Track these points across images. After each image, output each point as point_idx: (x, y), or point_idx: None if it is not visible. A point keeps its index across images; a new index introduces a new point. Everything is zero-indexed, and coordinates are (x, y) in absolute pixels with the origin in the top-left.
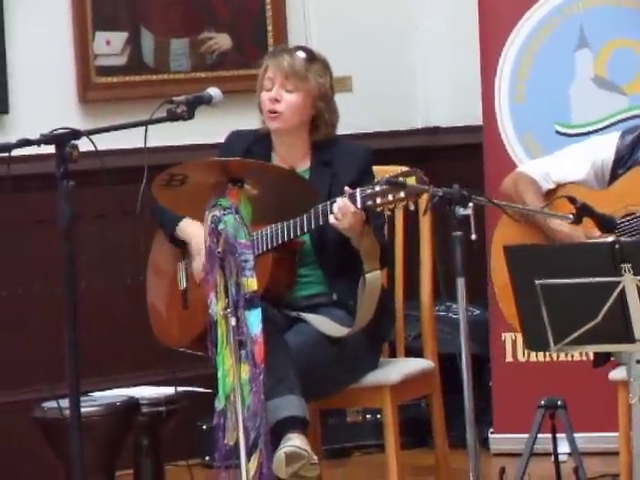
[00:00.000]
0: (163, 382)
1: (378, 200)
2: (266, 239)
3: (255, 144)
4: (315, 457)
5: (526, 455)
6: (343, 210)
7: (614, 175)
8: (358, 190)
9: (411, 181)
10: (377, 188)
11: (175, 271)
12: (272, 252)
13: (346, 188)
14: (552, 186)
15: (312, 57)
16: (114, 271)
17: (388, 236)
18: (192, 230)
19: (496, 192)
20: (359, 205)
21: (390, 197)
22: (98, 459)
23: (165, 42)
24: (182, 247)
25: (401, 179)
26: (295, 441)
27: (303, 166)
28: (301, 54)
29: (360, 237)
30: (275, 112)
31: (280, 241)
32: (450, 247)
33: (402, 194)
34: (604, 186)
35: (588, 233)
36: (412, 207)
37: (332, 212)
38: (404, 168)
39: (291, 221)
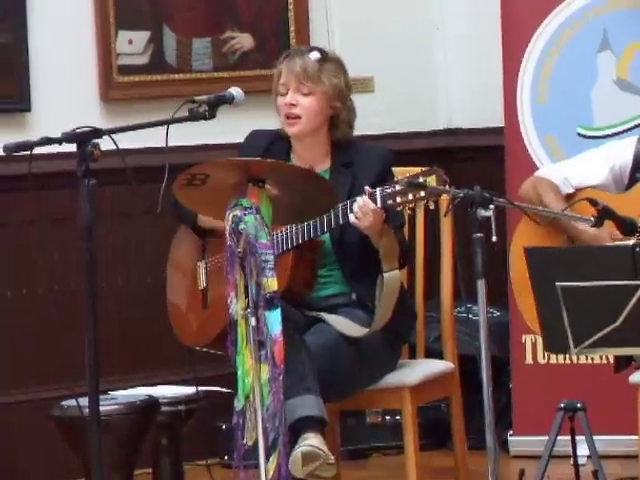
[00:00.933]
0: (183, 381)
1: (398, 199)
2: (286, 238)
3: (274, 144)
4: (332, 457)
5: (545, 457)
6: (364, 209)
7: (633, 179)
8: (378, 189)
9: (432, 180)
10: (397, 187)
11: (195, 270)
12: (292, 251)
13: (366, 187)
14: (571, 190)
15: (325, 57)
16: (134, 270)
17: (409, 237)
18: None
19: (516, 195)
20: (379, 204)
21: (410, 196)
22: (117, 458)
23: (187, 41)
24: (204, 237)
25: (422, 179)
26: (312, 440)
27: (323, 167)
28: (313, 55)
29: (379, 236)
30: (293, 117)
31: (300, 240)
32: (471, 249)
33: (422, 193)
34: (622, 190)
35: (613, 234)
36: (432, 206)
37: (352, 211)
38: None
39: (311, 221)
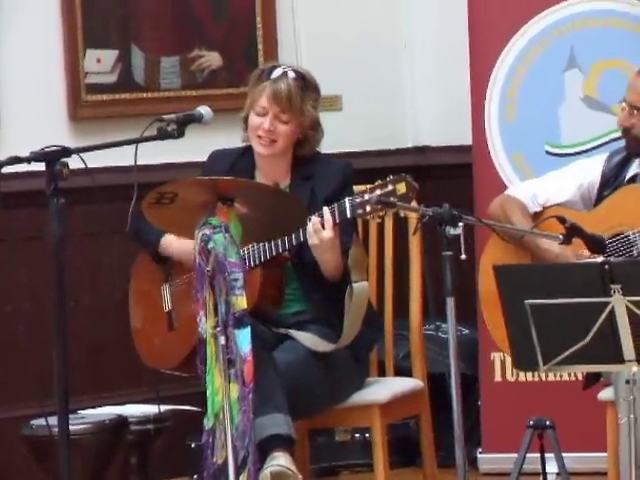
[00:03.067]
0: (152, 400)
1: (368, 208)
2: (253, 255)
3: (237, 162)
4: (300, 476)
5: (515, 475)
6: (315, 226)
7: (600, 196)
8: (347, 199)
9: (401, 187)
10: (366, 197)
11: (158, 294)
12: (260, 268)
13: (325, 209)
14: (539, 208)
15: (305, 83)
16: (103, 289)
17: (377, 254)
18: (176, 242)
19: (485, 213)
20: (348, 214)
21: (380, 205)
22: (87, 477)
23: (155, 60)
24: (165, 265)
25: (391, 186)
26: (280, 460)
27: (285, 182)
28: (295, 80)
29: (324, 252)
30: (268, 140)
31: (268, 256)
32: (440, 267)
33: (392, 199)
34: (590, 208)
35: (577, 253)
36: (402, 214)
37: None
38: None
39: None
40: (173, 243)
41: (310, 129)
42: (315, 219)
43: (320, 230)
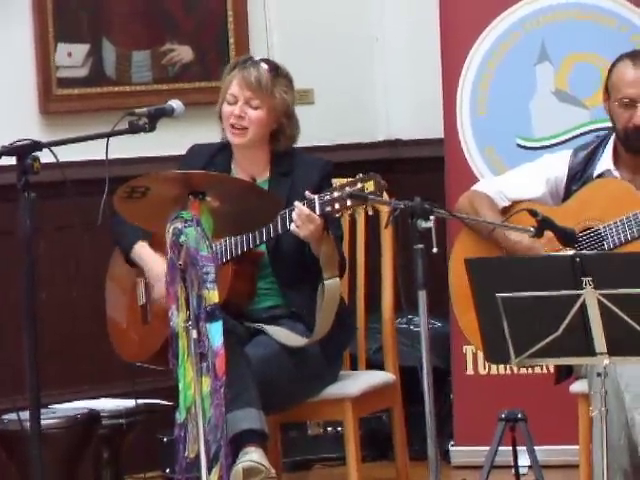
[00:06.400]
0: (123, 394)
1: (337, 206)
2: (226, 249)
3: (216, 156)
4: (273, 471)
5: (487, 468)
6: (302, 217)
7: (568, 191)
8: (317, 196)
9: (369, 186)
10: (335, 194)
11: (134, 286)
12: (232, 263)
13: (307, 193)
14: (507, 203)
15: (277, 72)
16: (75, 283)
17: (349, 248)
18: (146, 257)
19: (455, 208)
20: (318, 211)
21: (349, 202)
22: (58, 471)
23: (127, 54)
24: (138, 267)
25: (360, 184)
26: (253, 455)
27: (263, 177)
28: (267, 68)
29: (319, 244)
30: (239, 128)
31: (240, 251)
32: (411, 260)
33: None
34: (559, 202)
35: (547, 246)
36: (370, 212)
37: (292, 220)
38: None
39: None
40: (142, 256)
41: (284, 117)
42: (301, 208)
43: (305, 221)
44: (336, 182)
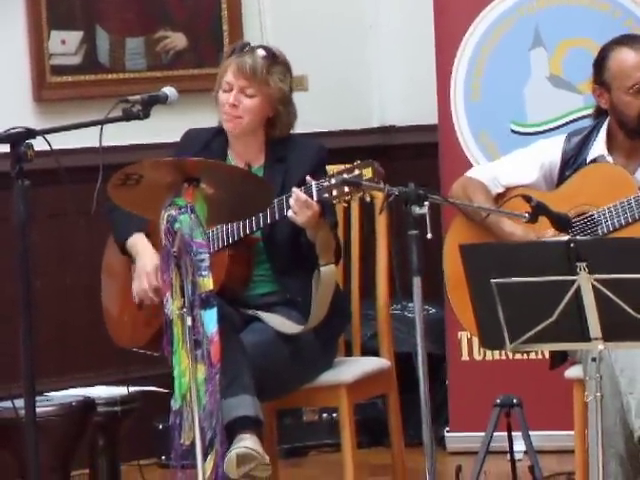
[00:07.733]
0: (118, 382)
1: (334, 192)
2: (222, 235)
3: (212, 141)
4: (267, 458)
5: (482, 453)
6: (299, 203)
7: (562, 177)
8: (314, 182)
9: (367, 172)
10: (333, 181)
11: (129, 272)
12: (228, 249)
13: (307, 178)
14: (501, 190)
15: (274, 59)
16: (69, 270)
17: (344, 234)
18: (138, 249)
19: (448, 195)
20: (315, 197)
21: (346, 189)
22: (53, 459)
23: (120, 41)
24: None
25: (357, 171)
26: (247, 442)
27: (258, 163)
28: (263, 55)
29: (316, 230)
30: (233, 116)
31: (236, 237)
32: (406, 246)
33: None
34: (552, 188)
35: (540, 234)
36: (368, 199)
37: (289, 206)
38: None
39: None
40: (136, 247)
41: (280, 104)
42: (298, 194)
43: (305, 205)
44: (333, 169)
